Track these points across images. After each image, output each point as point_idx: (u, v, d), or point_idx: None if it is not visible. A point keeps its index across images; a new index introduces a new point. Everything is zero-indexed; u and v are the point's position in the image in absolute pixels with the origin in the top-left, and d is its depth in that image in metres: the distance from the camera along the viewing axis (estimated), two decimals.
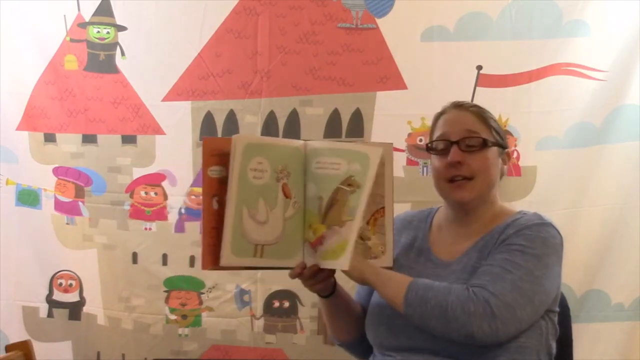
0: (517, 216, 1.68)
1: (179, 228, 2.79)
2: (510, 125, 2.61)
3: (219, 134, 2.73)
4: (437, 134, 1.73)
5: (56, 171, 2.83)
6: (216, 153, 1.59)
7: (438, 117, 1.76)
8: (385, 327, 1.69)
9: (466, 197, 1.68)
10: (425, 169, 2.66)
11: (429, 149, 1.73)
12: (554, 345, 1.70)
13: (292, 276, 1.63)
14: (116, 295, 2.84)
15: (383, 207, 1.67)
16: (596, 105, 2.59)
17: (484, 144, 1.67)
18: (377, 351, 1.74)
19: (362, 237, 1.66)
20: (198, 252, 2.78)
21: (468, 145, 1.67)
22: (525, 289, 1.54)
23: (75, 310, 2.87)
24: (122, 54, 2.77)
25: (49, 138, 2.82)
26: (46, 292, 2.87)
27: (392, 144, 1.68)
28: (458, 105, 1.74)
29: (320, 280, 1.65)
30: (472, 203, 1.70)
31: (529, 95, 2.62)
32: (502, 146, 1.72)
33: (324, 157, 1.61)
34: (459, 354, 1.58)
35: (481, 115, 1.71)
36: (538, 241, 1.59)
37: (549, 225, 1.64)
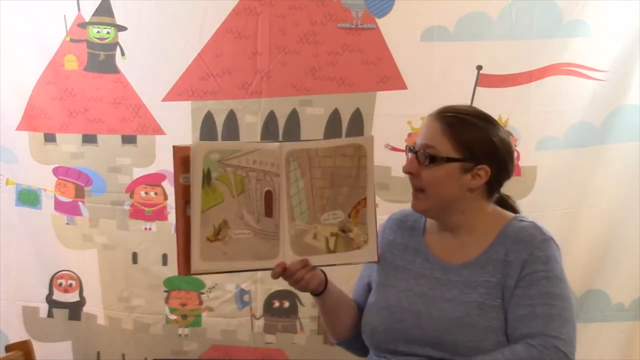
0: (515, 225, 1.67)
1: None
2: (510, 125, 2.61)
3: (219, 134, 2.73)
4: None
5: (56, 171, 2.83)
6: (186, 161, 1.63)
7: None
8: (383, 330, 1.69)
9: (417, 207, 1.72)
10: None
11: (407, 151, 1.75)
12: None
13: (274, 276, 1.67)
14: (116, 295, 2.84)
15: (365, 198, 1.69)
16: (596, 105, 2.60)
17: (432, 160, 1.66)
18: (373, 352, 1.75)
19: (343, 230, 1.68)
20: None
21: (423, 157, 1.67)
22: (569, 317, 1.59)
23: (75, 310, 2.87)
24: (122, 54, 2.76)
25: (49, 138, 2.82)
26: (46, 292, 2.87)
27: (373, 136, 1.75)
28: (437, 112, 1.71)
29: (299, 278, 1.67)
30: (428, 213, 1.73)
31: (529, 95, 2.62)
32: (473, 161, 1.66)
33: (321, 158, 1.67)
34: None
35: (452, 127, 1.67)
36: (552, 261, 1.62)
37: (550, 240, 1.66)
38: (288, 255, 1.67)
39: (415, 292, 1.69)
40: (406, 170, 1.70)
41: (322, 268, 1.74)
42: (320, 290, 1.74)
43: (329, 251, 1.68)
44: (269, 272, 1.69)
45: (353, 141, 1.72)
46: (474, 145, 1.66)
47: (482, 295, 1.61)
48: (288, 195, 1.67)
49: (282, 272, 1.66)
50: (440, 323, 1.62)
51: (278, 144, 1.70)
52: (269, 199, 1.67)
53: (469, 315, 1.60)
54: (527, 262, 1.61)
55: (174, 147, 1.66)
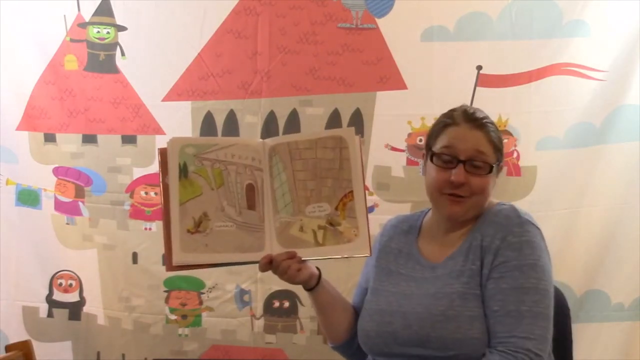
0: (493, 209, 1.68)
1: None
2: (510, 125, 2.61)
3: (219, 134, 2.73)
4: (442, 143, 1.70)
5: (56, 171, 2.83)
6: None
7: (446, 125, 1.72)
8: (376, 334, 1.70)
9: (458, 213, 1.70)
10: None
11: (433, 154, 1.71)
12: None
13: (262, 269, 1.68)
14: (116, 295, 2.84)
15: (351, 191, 1.68)
16: (596, 105, 2.59)
17: (490, 170, 1.67)
18: (370, 357, 1.75)
19: (331, 223, 1.68)
20: None
21: (474, 166, 1.67)
22: (542, 312, 1.58)
23: (75, 310, 2.88)
24: (122, 54, 2.76)
25: (49, 138, 2.82)
26: (46, 292, 2.87)
27: (353, 128, 1.74)
28: (471, 120, 1.70)
29: (285, 268, 1.67)
30: (467, 216, 1.72)
31: (529, 95, 2.62)
32: (501, 162, 1.73)
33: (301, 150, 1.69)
34: None
35: (490, 134, 1.70)
36: (526, 247, 1.61)
37: (527, 222, 1.65)
38: (275, 248, 1.68)
39: (404, 294, 1.69)
40: (459, 182, 1.66)
41: (318, 266, 1.75)
42: (313, 284, 1.74)
43: (318, 244, 1.68)
44: (268, 272, 1.70)
45: (333, 133, 1.73)
46: (501, 147, 1.72)
47: (464, 285, 1.62)
48: (272, 189, 1.69)
49: (269, 263, 1.67)
50: (425, 320, 1.62)
51: (260, 140, 1.73)
52: (251, 192, 1.69)
53: (451, 307, 1.61)
54: (500, 249, 1.61)
55: (159, 149, 1.72)
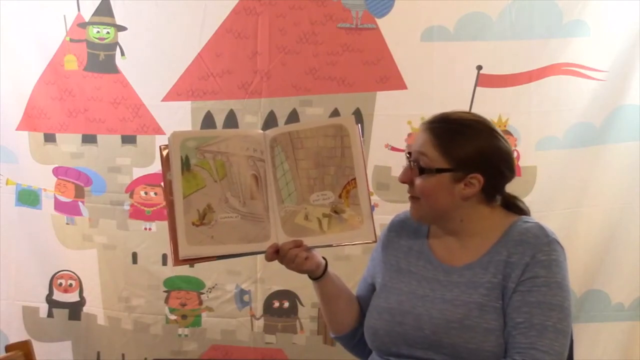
0: (519, 226, 1.66)
1: None
2: (510, 125, 2.61)
3: None
4: None
5: (56, 171, 2.83)
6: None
7: None
8: (385, 333, 1.69)
9: (414, 215, 1.72)
10: None
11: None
12: None
13: (268, 258, 1.68)
14: (116, 295, 2.84)
15: (354, 178, 1.70)
16: (596, 105, 2.60)
17: (422, 171, 1.66)
18: (376, 354, 1.75)
19: (336, 211, 1.69)
20: None
21: (418, 167, 1.67)
22: (564, 329, 1.58)
23: (75, 310, 2.88)
24: (122, 54, 2.76)
25: (49, 138, 2.82)
26: (46, 292, 2.87)
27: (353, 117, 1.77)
28: (428, 122, 1.71)
29: (293, 257, 1.67)
30: (424, 221, 1.74)
31: (529, 95, 2.62)
32: (465, 171, 1.64)
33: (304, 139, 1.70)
34: None
35: (440, 138, 1.66)
36: (554, 266, 1.61)
37: (555, 242, 1.64)
38: (281, 237, 1.68)
39: (417, 295, 1.69)
40: (400, 180, 1.71)
41: (324, 255, 1.76)
42: (319, 274, 1.74)
43: (323, 232, 1.69)
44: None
45: (333, 121, 1.76)
46: (463, 155, 1.65)
47: (483, 297, 1.61)
48: (275, 179, 1.70)
49: (275, 253, 1.68)
50: (440, 325, 1.62)
51: (261, 131, 1.74)
52: (254, 183, 1.69)
53: (469, 317, 1.60)
54: (529, 265, 1.60)
55: (160, 146, 1.72)
